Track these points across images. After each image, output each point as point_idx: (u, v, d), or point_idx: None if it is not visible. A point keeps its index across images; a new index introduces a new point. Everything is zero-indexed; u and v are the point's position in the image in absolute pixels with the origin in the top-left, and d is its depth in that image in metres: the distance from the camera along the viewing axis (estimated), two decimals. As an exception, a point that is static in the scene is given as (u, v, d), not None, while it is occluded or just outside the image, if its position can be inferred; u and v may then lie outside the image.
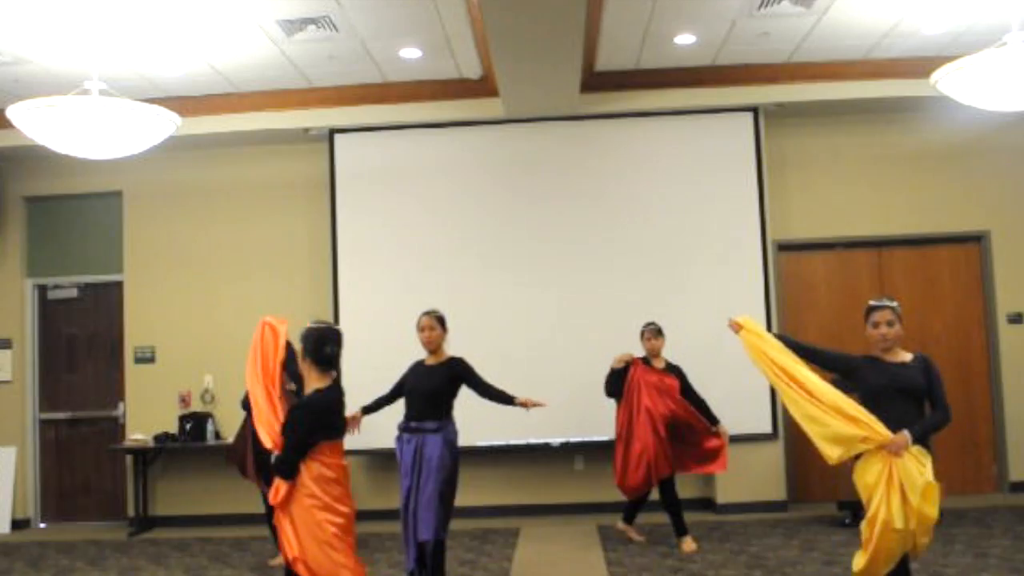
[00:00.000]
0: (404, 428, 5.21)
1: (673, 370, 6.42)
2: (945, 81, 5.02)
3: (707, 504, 7.67)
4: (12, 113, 5.01)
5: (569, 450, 7.73)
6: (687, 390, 6.37)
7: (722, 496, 7.50)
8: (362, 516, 7.65)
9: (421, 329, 5.28)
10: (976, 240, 8.00)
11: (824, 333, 7.95)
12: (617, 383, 6.35)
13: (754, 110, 7.69)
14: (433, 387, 5.17)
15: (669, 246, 7.68)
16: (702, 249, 7.65)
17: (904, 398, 4.01)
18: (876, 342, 4.14)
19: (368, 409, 5.40)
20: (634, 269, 7.66)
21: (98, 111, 4.97)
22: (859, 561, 3.96)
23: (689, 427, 6.25)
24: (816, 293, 8.06)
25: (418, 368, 5.33)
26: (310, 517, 3.62)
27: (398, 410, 5.36)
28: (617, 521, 6.67)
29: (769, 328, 7.53)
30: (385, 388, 5.42)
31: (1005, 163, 7.94)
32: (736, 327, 4.36)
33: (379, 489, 7.86)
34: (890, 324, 4.09)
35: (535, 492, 7.78)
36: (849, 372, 4.22)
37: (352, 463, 7.72)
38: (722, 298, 7.36)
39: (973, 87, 4.98)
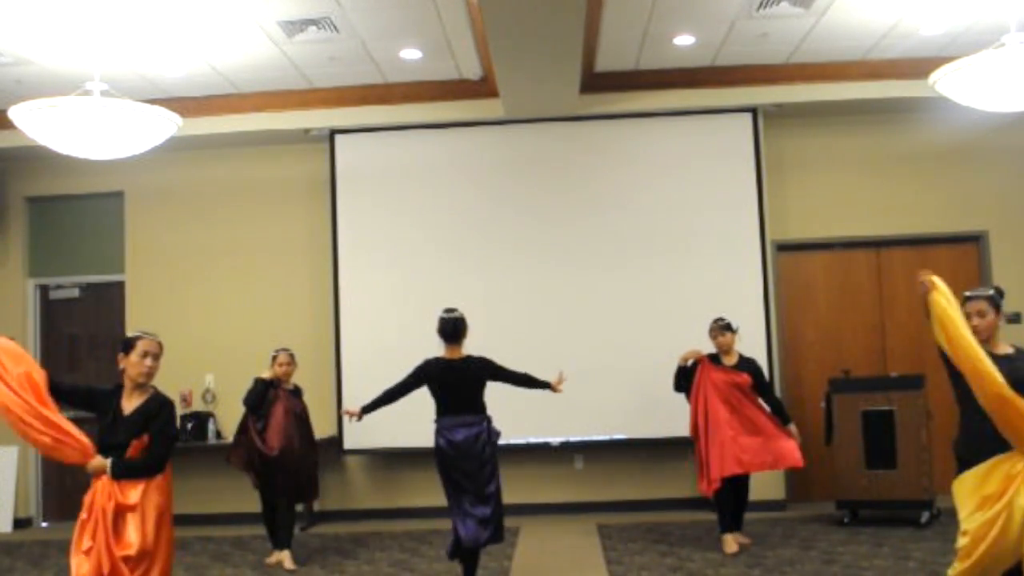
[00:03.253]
0: None
1: (746, 365, 6.18)
2: (943, 82, 5.04)
3: (706, 503, 7.66)
4: (14, 114, 5.03)
5: (569, 450, 7.75)
6: (760, 386, 6.18)
7: (721, 495, 7.51)
8: (362, 516, 7.78)
9: None
10: (974, 240, 8.01)
11: (823, 333, 7.98)
12: (682, 380, 6.26)
13: (753, 111, 7.71)
14: None
15: (668, 246, 7.70)
16: (701, 249, 7.66)
17: (1020, 392, 3.58)
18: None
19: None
20: (633, 269, 7.68)
21: (99, 112, 4.99)
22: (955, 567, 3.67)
23: (755, 425, 6.03)
24: (815, 293, 8.07)
25: None
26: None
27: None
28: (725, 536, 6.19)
29: (768, 328, 7.57)
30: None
31: (1003, 163, 7.95)
32: (929, 285, 3.68)
33: (379, 489, 7.89)
34: (981, 315, 3.76)
35: (535, 492, 7.78)
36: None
37: (352, 463, 7.86)
38: (721, 298, 7.38)
39: (971, 88, 5.01)
